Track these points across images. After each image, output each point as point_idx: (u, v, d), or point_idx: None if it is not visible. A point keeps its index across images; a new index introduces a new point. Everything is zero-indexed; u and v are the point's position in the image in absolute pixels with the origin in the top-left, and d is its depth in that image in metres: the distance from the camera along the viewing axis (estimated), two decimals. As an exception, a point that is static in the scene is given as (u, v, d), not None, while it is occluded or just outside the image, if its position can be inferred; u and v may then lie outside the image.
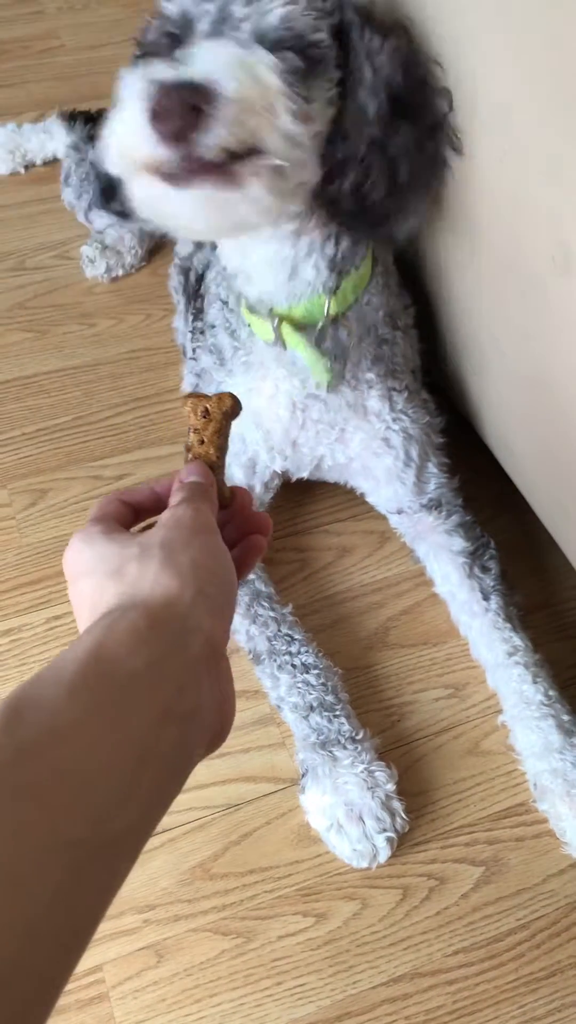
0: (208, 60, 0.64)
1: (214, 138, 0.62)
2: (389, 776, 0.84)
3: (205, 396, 0.59)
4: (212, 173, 0.65)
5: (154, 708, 0.40)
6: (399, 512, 1.00)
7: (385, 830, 0.81)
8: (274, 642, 0.91)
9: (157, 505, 0.55)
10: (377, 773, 0.84)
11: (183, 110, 0.61)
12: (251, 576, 0.96)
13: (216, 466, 0.57)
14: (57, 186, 1.40)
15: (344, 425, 0.92)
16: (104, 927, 0.80)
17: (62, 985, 0.34)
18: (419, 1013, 0.77)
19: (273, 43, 0.69)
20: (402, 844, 0.84)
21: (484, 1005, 0.77)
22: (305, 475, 0.99)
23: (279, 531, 1.07)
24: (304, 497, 1.10)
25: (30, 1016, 0.32)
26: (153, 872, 0.84)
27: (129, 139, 0.65)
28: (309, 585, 1.03)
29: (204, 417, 0.58)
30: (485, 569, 0.96)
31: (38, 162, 1.48)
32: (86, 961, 0.78)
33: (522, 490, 0.95)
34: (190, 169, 0.64)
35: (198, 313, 1.06)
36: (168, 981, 0.78)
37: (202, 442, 0.58)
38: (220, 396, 0.59)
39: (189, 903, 0.82)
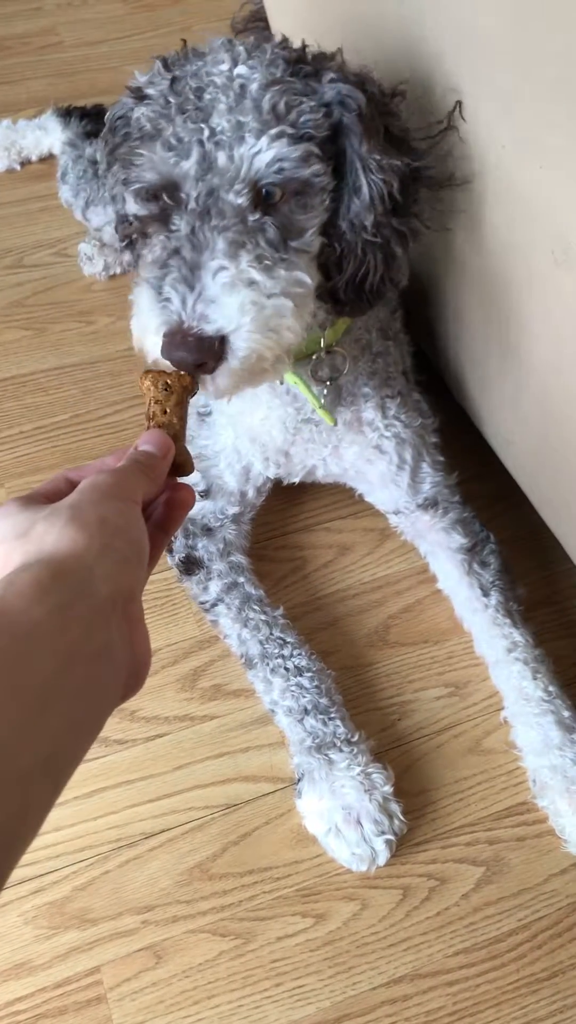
0: (221, 309, 0.65)
1: (225, 377, 0.67)
2: (386, 778, 0.83)
3: (164, 372, 0.64)
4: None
5: (58, 651, 0.41)
6: (396, 512, 0.99)
7: (383, 833, 0.80)
8: (266, 645, 0.91)
9: None
10: (374, 775, 0.83)
11: (196, 354, 0.65)
12: (240, 579, 0.96)
13: (179, 436, 0.61)
14: (54, 183, 1.39)
15: (338, 442, 0.92)
16: (102, 928, 0.80)
17: None
18: (419, 1014, 0.76)
19: (266, 188, 0.68)
20: (402, 844, 0.83)
21: (485, 1006, 0.77)
22: (297, 480, 0.99)
23: (277, 529, 1.07)
24: (303, 495, 1.09)
25: None
26: (152, 873, 0.83)
27: (153, 352, 0.69)
28: (308, 583, 1.03)
29: (166, 390, 0.63)
30: (484, 564, 0.95)
31: (34, 159, 1.47)
32: (84, 962, 0.78)
33: (521, 484, 0.94)
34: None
35: None
36: (166, 982, 0.78)
37: (165, 412, 0.62)
38: (179, 373, 0.64)
39: (188, 904, 0.82)
